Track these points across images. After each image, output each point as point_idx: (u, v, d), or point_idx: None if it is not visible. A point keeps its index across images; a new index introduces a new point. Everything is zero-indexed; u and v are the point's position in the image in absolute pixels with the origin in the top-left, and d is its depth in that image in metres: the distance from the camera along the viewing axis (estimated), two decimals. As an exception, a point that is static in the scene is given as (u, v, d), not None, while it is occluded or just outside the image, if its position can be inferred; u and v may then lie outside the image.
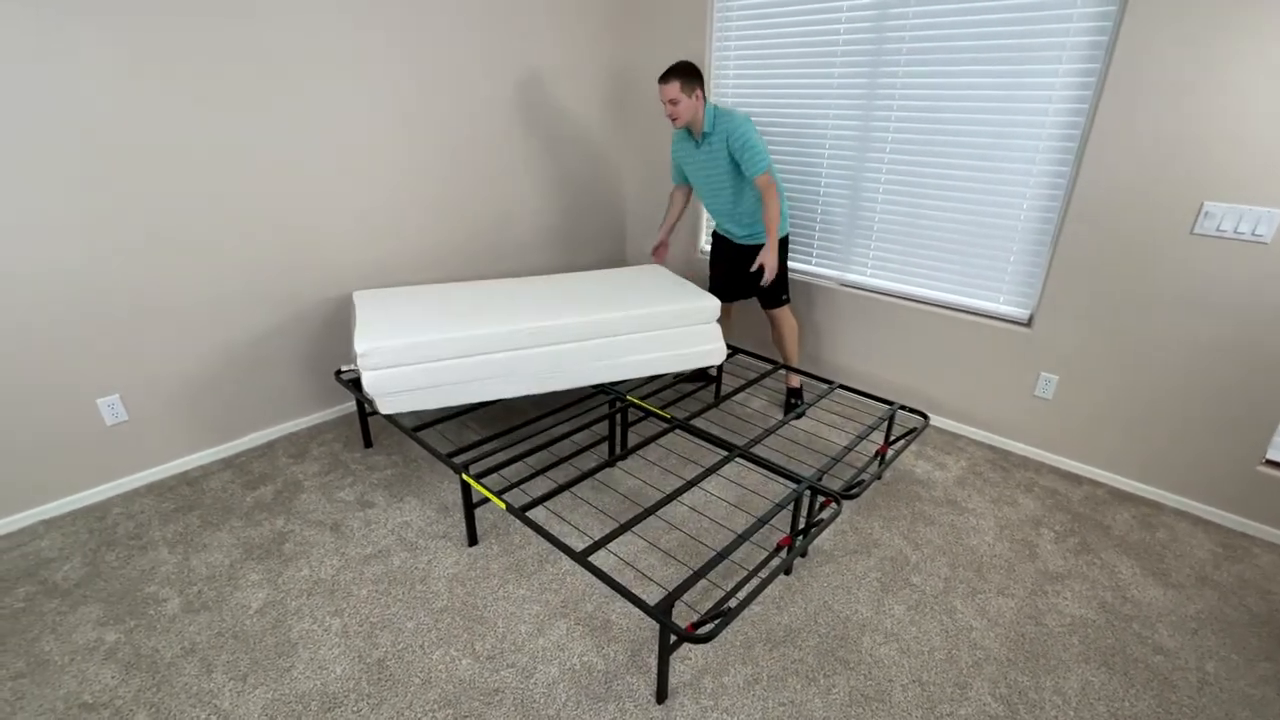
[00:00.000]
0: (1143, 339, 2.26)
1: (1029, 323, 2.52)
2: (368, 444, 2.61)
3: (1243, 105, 1.92)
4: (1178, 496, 2.33)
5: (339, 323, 2.71)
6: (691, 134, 2.60)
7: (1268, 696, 1.61)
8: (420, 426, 2.24)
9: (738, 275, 2.79)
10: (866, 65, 2.65)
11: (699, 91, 2.46)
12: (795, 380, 2.95)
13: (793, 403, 2.93)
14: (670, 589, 1.83)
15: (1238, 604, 1.91)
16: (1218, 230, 2.04)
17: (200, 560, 1.98)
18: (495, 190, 3.10)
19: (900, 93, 2.59)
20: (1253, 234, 1.99)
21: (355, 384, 2.51)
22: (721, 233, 2.86)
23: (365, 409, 2.54)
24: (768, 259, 2.47)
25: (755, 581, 1.59)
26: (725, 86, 3.14)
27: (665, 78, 2.43)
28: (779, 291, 2.77)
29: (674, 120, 2.49)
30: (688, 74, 2.43)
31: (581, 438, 2.51)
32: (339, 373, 2.59)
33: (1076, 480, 2.49)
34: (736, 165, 2.51)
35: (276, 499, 2.28)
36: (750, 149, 2.43)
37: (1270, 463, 2.15)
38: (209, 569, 1.95)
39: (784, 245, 2.72)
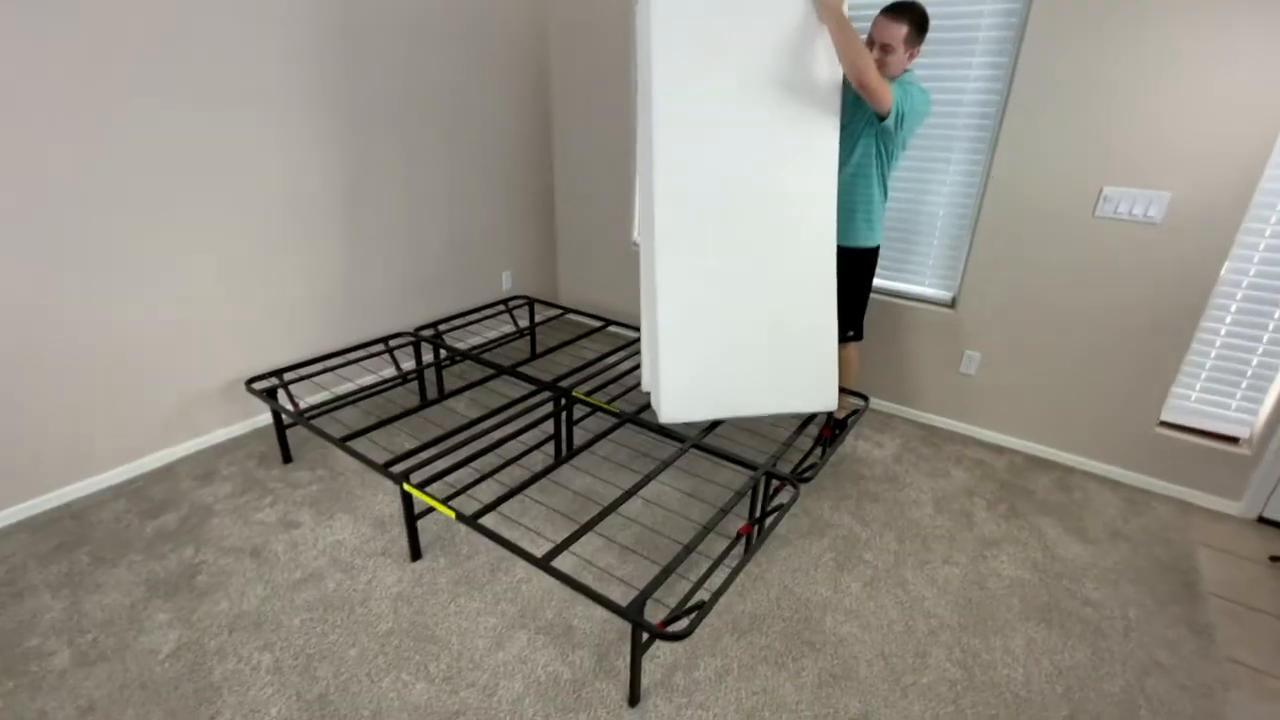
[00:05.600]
0: (1052, 314, 2.43)
1: (953, 304, 2.65)
2: (287, 459, 2.38)
3: (1136, 98, 2.09)
4: (1087, 460, 2.53)
5: (245, 324, 2.45)
6: None
7: (1181, 636, 1.77)
8: (348, 436, 2.06)
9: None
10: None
11: (917, 51, 2.00)
12: (841, 409, 2.37)
13: (834, 432, 2.33)
14: (632, 585, 1.78)
15: (1146, 554, 2.09)
16: (1115, 213, 2.22)
17: (94, 603, 1.73)
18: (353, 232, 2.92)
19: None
20: (1145, 215, 2.18)
21: (270, 393, 2.29)
22: None
23: (283, 420, 2.31)
24: None
25: (724, 571, 1.57)
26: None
27: (896, 13, 1.93)
28: (845, 325, 2.31)
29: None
30: (920, 26, 1.96)
31: (526, 438, 2.40)
32: (250, 382, 2.35)
33: (999, 450, 2.65)
34: (875, 147, 2.09)
35: (183, 526, 2.03)
36: (908, 98, 1.96)
37: (1164, 424, 2.37)
38: (105, 612, 1.70)
39: (871, 258, 2.28)
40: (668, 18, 1.82)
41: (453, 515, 1.68)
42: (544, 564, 1.49)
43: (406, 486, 1.78)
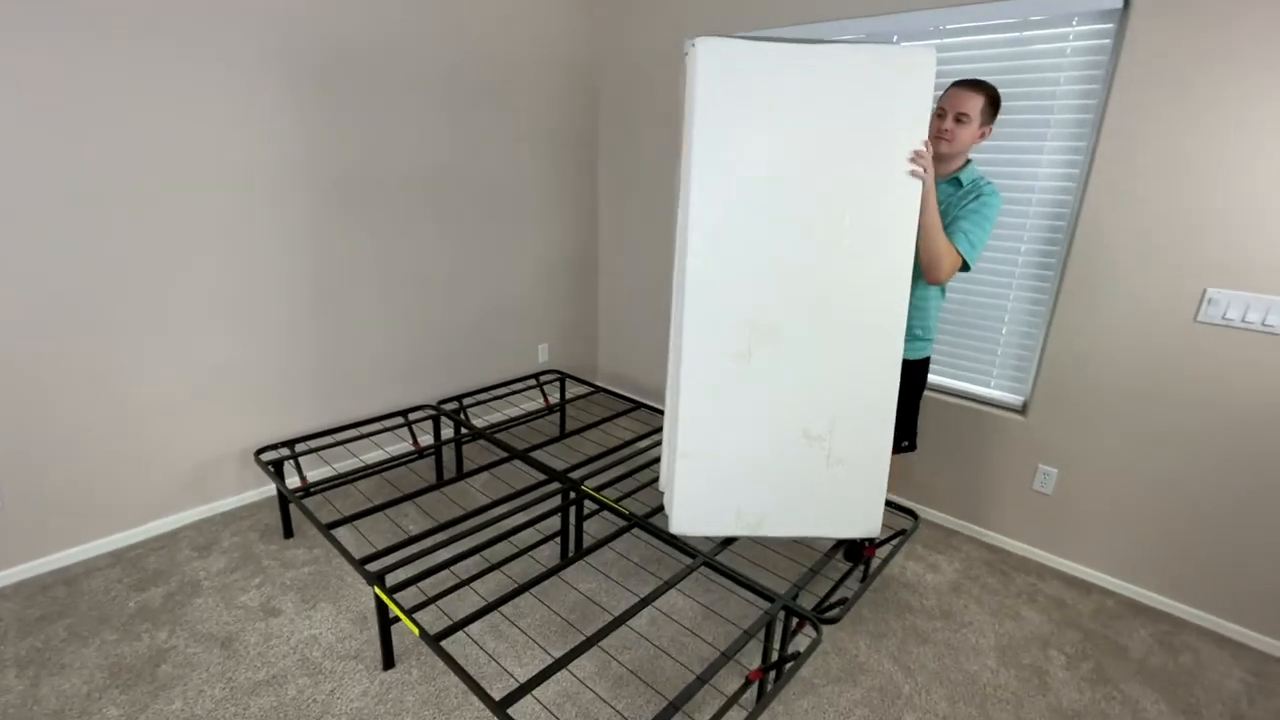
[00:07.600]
0: (1149, 433, 2.06)
1: (1023, 410, 2.31)
2: (288, 534, 2.29)
3: (1245, 186, 1.79)
4: (1200, 612, 2.07)
5: (266, 390, 2.44)
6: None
7: None
8: (334, 523, 1.93)
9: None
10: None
11: (990, 130, 1.84)
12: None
13: (875, 549, 2.06)
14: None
15: (1284, 753, 1.63)
16: (1224, 319, 1.88)
17: (51, 687, 1.64)
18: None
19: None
20: (1263, 324, 1.83)
21: (276, 466, 2.23)
22: None
23: (285, 496, 2.24)
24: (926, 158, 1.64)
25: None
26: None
27: (973, 85, 1.78)
28: (900, 435, 2.02)
29: (941, 139, 1.79)
30: (995, 103, 1.80)
31: (530, 534, 2.21)
32: (259, 452, 2.31)
33: (1084, 588, 2.23)
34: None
35: (166, 604, 1.94)
36: (980, 219, 1.79)
37: (1301, 577, 1.92)
38: (59, 700, 1.60)
39: (920, 371, 2.04)
40: (713, 71, 1.57)
41: (416, 631, 1.49)
42: (500, 710, 1.27)
43: (377, 591, 1.62)
